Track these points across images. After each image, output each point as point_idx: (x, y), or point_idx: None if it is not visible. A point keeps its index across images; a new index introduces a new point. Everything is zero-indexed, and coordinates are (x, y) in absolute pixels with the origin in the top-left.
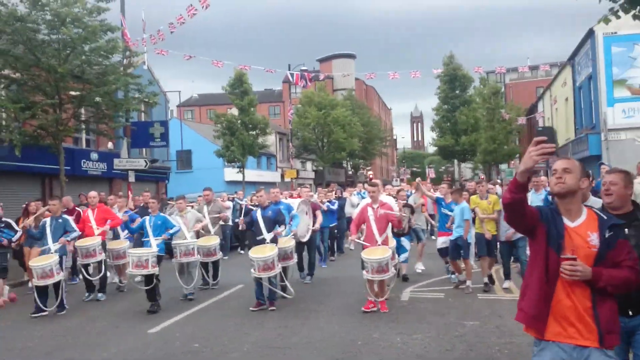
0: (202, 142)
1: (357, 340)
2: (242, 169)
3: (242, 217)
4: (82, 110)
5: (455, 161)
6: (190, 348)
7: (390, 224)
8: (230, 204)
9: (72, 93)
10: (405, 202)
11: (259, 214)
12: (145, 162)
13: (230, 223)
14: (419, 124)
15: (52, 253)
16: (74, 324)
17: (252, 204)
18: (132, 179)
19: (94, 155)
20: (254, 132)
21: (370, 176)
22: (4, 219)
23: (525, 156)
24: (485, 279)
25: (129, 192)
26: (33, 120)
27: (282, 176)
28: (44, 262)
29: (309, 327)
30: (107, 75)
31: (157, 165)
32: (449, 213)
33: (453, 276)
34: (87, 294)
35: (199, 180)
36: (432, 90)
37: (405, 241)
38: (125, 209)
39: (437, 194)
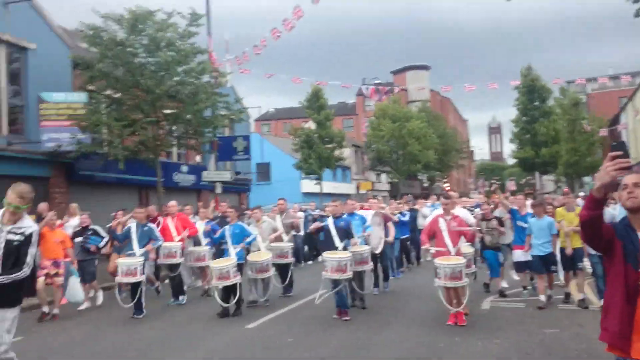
0: (280, 155)
1: (439, 342)
2: (319, 181)
3: (317, 222)
4: (175, 127)
5: (537, 173)
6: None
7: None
8: (302, 214)
9: (167, 111)
10: (483, 215)
11: (331, 223)
12: (231, 174)
13: (301, 233)
14: (497, 135)
15: (137, 257)
16: (166, 325)
17: (324, 214)
18: (219, 190)
19: (184, 168)
20: (331, 146)
21: (447, 188)
22: (91, 227)
23: (601, 172)
24: (581, 295)
25: (214, 202)
26: (134, 136)
27: (357, 188)
28: (129, 261)
29: (390, 330)
30: (198, 95)
31: (240, 178)
32: (524, 225)
33: (525, 291)
34: (172, 299)
35: (278, 191)
36: (509, 101)
37: (500, 255)
38: (207, 219)
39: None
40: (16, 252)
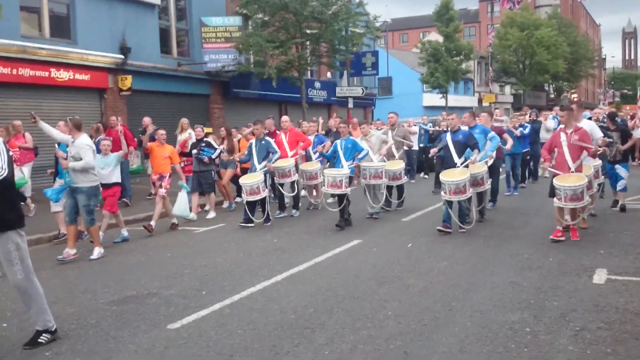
0: (402, 68)
1: (549, 257)
2: (445, 95)
3: (435, 149)
4: (316, 46)
5: None
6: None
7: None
8: (416, 129)
9: (309, 31)
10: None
11: (449, 138)
12: (362, 89)
13: (415, 148)
14: (633, 40)
15: (257, 172)
16: (275, 235)
17: (440, 129)
18: (350, 105)
19: (317, 84)
20: (458, 58)
21: (575, 99)
22: (205, 139)
23: None
24: None
25: (321, 118)
26: (281, 56)
27: (480, 101)
28: (252, 180)
29: (503, 248)
30: (340, 15)
31: (368, 93)
32: None
33: None
34: (278, 212)
35: (399, 106)
36: None
37: (620, 169)
38: (316, 133)
39: None
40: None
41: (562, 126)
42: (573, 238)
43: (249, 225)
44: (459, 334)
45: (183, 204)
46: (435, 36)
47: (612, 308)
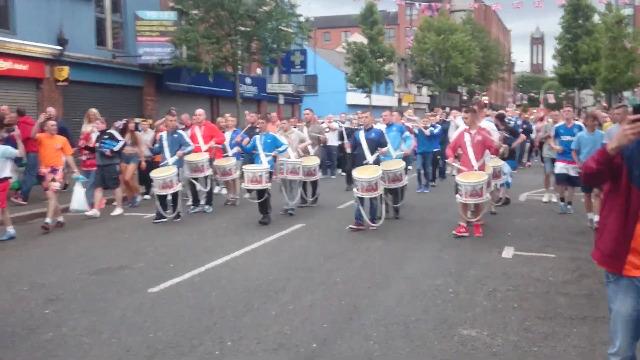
0: (327, 67)
1: (465, 239)
2: (369, 94)
3: (346, 141)
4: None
5: (575, 89)
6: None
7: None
8: (336, 125)
9: (242, 29)
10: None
11: (362, 136)
12: (292, 86)
13: (335, 144)
14: (540, 46)
15: (170, 165)
16: (196, 231)
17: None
18: (281, 101)
19: (248, 80)
20: (381, 60)
21: (485, 101)
22: (108, 131)
23: (620, 134)
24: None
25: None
26: (216, 52)
27: (400, 101)
28: (164, 174)
29: (426, 232)
30: (274, 14)
31: (295, 90)
32: (570, 139)
33: (562, 204)
34: (192, 206)
35: (324, 103)
36: (555, 9)
37: (505, 165)
38: (234, 129)
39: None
40: None
41: (465, 127)
42: (476, 234)
43: (162, 220)
44: (396, 294)
45: (81, 199)
46: (359, 37)
47: (518, 275)
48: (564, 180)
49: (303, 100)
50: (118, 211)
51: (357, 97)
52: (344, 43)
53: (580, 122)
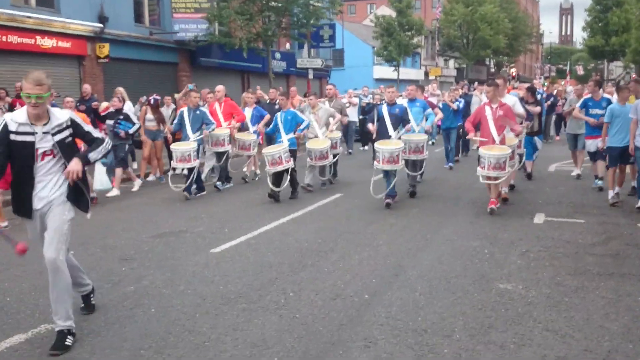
0: (354, 40)
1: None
2: (397, 68)
3: (373, 125)
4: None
5: (605, 61)
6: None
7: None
8: (356, 100)
9: (274, 4)
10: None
11: (385, 111)
12: (322, 61)
13: (355, 119)
14: (569, 16)
15: (191, 141)
16: (239, 200)
17: (374, 102)
18: (311, 76)
19: (278, 55)
20: (410, 33)
21: (513, 74)
22: (124, 111)
23: None
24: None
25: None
26: (250, 28)
27: (427, 74)
28: (184, 147)
29: (460, 202)
30: None
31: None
32: (598, 112)
33: (599, 182)
34: (219, 183)
35: (351, 77)
36: None
37: (537, 140)
38: (255, 106)
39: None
40: (73, 144)
41: (487, 100)
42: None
43: (202, 193)
44: (435, 254)
45: (103, 178)
46: (386, 10)
47: (549, 238)
48: (598, 156)
49: (331, 75)
50: (115, 192)
51: (384, 71)
52: (371, 16)
53: (608, 95)
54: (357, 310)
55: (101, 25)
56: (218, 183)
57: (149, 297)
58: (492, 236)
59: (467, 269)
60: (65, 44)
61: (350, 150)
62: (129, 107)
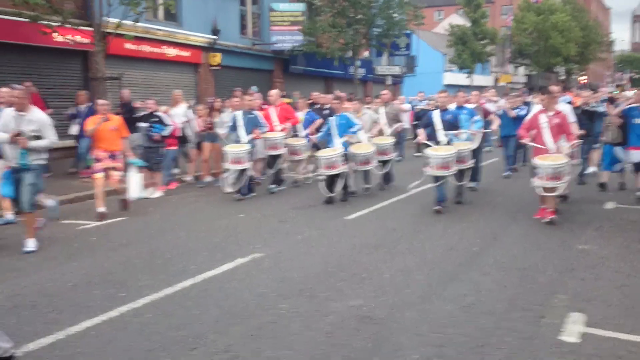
0: (425, 47)
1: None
2: (470, 75)
3: (422, 129)
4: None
5: None
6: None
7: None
8: (408, 106)
9: (360, 17)
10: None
11: (436, 116)
12: (400, 68)
13: (406, 125)
14: None
15: (244, 143)
16: (265, 211)
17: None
18: (389, 82)
19: (358, 63)
20: (484, 42)
21: (583, 81)
22: (156, 113)
23: None
24: None
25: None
26: (340, 39)
27: (496, 80)
28: (237, 149)
29: (513, 211)
30: (392, 4)
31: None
32: None
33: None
34: (275, 186)
35: (421, 83)
36: None
37: (618, 150)
38: (307, 110)
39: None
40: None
41: (542, 108)
42: (549, 216)
43: (242, 197)
44: (523, 228)
45: (139, 184)
46: (455, 18)
47: (618, 219)
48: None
49: (404, 81)
50: (158, 194)
51: (454, 77)
52: (446, 25)
53: None
54: (470, 257)
55: (215, 37)
56: (272, 186)
57: (292, 244)
58: (566, 218)
59: (550, 236)
60: (185, 53)
61: (400, 158)
62: (182, 111)
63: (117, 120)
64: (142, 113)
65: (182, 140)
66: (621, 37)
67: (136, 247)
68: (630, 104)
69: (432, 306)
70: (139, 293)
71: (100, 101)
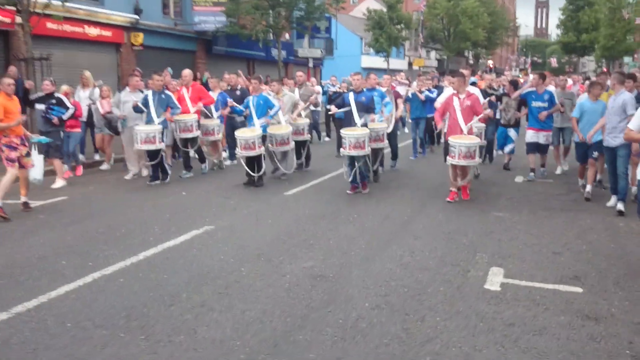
0: (343, 31)
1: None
2: (387, 58)
3: (331, 105)
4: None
5: (576, 56)
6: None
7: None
8: (319, 88)
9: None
10: (500, 93)
11: (351, 98)
12: (321, 51)
13: (319, 108)
14: (545, 9)
15: (156, 125)
16: (194, 193)
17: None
18: (311, 64)
19: (279, 45)
20: (399, 27)
21: (490, 65)
22: (56, 95)
23: None
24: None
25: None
26: (262, 21)
27: (410, 64)
28: (148, 129)
29: (421, 199)
30: None
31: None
32: (540, 105)
33: (532, 174)
34: (184, 172)
35: (339, 66)
36: None
37: (512, 132)
38: (220, 91)
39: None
40: None
41: (454, 91)
42: (464, 198)
43: (156, 182)
44: (441, 204)
45: (41, 166)
46: (372, 3)
47: (526, 190)
48: (534, 149)
49: (324, 64)
50: (60, 183)
51: (371, 60)
52: (363, 9)
53: (551, 88)
54: (402, 224)
55: (137, 16)
56: (202, 166)
57: (240, 217)
58: (482, 191)
59: (469, 206)
60: (106, 33)
61: (319, 140)
62: (89, 94)
63: (17, 101)
64: (39, 94)
65: (89, 124)
66: (526, 22)
67: (91, 222)
68: (528, 88)
69: (375, 265)
70: (107, 262)
71: (6, 80)
